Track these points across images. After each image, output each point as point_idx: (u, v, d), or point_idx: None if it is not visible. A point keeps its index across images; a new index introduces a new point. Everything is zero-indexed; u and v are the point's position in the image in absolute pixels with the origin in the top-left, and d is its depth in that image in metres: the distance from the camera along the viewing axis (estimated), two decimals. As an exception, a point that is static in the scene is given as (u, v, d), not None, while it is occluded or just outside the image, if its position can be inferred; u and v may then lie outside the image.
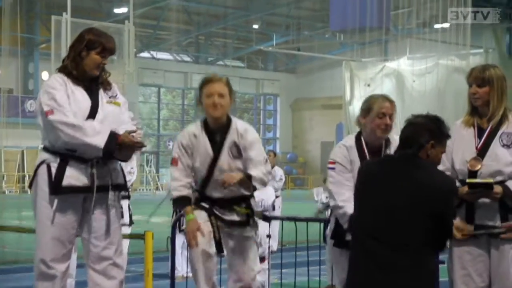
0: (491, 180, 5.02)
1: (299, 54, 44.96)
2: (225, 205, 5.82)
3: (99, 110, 5.39)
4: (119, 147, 5.33)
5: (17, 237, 11.84)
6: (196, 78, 40.17)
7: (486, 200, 5.05)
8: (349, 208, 5.30)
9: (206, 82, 5.84)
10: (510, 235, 4.67)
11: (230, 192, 5.74)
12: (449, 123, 4.76)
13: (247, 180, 5.64)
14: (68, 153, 5.33)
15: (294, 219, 7.29)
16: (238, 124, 5.84)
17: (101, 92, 5.49)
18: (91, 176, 5.36)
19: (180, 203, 5.82)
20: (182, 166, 5.79)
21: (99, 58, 5.42)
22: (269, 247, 8.74)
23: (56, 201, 5.32)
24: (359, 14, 23.03)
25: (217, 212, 5.81)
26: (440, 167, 4.85)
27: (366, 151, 5.51)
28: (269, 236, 8.78)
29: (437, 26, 27.69)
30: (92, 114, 5.36)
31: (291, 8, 42.71)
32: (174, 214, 10.71)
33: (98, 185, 5.39)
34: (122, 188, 5.66)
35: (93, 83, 5.47)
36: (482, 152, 5.13)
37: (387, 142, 5.55)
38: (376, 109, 5.46)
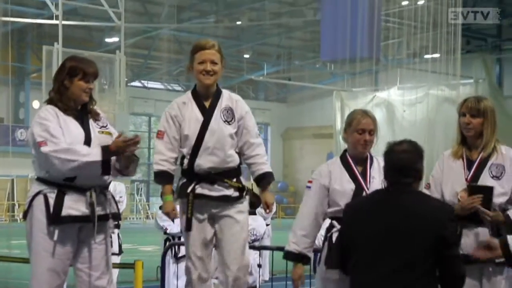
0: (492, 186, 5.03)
1: (290, 83, 45.10)
2: (216, 178, 5.67)
3: (93, 139, 5.36)
4: (117, 159, 5.30)
5: (6, 266, 11.76)
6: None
7: (476, 230, 5.06)
8: (295, 244, 5.40)
9: (198, 48, 5.74)
10: (480, 254, 4.60)
11: (221, 161, 5.66)
12: (438, 153, 4.78)
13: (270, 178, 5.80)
14: (66, 183, 5.29)
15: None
16: (230, 93, 5.86)
17: (91, 122, 5.46)
18: (90, 206, 5.31)
19: (160, 178, 5.72)
20: (167, 139, 5.70)
21: (83, 83, 5.36)
22: (259, 276, 8.72)
23: (54, 232, 5.25)
24: (349, 45, 23.10)
25: (204, 191, 5.67)
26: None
27: (351, 161, 5.46)
28: (259, 265, 8.74)
29: (427, 56, 27.82)
30: (87, 144, 5.32)
31: (282, 38, 42.89)
32: (166, 243, 10.69)
33: (98, 214, 5.34)
34: (116, 217, 5.63)
35: (83, 112, 5.45)
36: (472, 184, 5.15)
37: (372, 159, 5.50)
38: (354, 125, 5.43)
